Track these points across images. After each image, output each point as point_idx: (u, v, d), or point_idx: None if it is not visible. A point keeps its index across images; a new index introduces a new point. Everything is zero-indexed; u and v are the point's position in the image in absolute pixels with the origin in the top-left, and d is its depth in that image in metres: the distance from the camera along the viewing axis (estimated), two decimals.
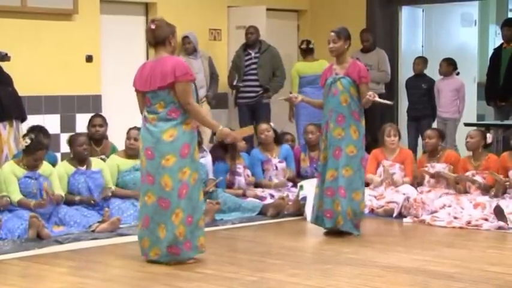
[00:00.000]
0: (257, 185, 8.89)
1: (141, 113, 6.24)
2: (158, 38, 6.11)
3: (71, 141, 7.88)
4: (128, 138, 8.14)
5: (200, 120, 6.17)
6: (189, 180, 6.06)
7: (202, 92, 10.01)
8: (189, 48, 10.18)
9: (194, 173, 6.11)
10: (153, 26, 6.11)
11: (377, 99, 7.09)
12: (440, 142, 8.83)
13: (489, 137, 8.60)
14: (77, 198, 7.65)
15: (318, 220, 7.31)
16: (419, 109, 11.07)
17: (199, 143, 7.76)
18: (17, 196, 7.31)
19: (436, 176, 8.59)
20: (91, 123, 8.60)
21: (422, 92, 11.08)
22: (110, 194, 7.86)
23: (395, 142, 8.83)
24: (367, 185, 8.24)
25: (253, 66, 10.61)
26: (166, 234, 6.05)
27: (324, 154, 7.21)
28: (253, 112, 10.61)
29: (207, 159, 8.60)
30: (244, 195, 8.53)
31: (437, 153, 8.73)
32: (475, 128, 8.95)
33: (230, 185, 8.69)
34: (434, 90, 11.09)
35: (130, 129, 8.19)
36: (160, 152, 6.02)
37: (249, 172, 8.84)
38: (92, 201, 7.68)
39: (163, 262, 6.09)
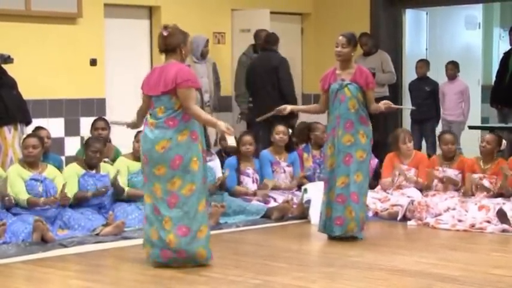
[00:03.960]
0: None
1: (140, 115, 6.32)
2: (169, 45, 6.12)
3: (86, 144, 7.92)
4: (137, 141, 8.14)
5: (202, 121, 6.15)
6: (180, 191, 6.03)
7: (206, 97, 10.02)
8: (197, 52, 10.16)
9: (191, 185, 6.05)
10: (165, 33, 6.11)
11: (393, 105, 7.27)
12: (455, 139, 8.84)
13: (504, 144, 8.59)
14: (89, 193, 7.68)
15: (326, 228, 7.24)
16: (423, 112, 11.06)
17: (208, 147, 7.78)
18: (24, 196, 7.34)
19: (446, 182, 8.57)
20: (94, 127, 8.63)
21: (426, 95, 11.08)
22: (124, 194, 7.93)
23: (412, 148, 8.84)
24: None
25: None
26: (158, 238, 6.08)
27: (331, 161, 7.16)
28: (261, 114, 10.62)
29: (215, 163, 8.63)
30: (254, 195, 8.58)
31: (453, 158, 8.71)
32: (492, 133, 8.83)
33: (239, 183, 8.76)
34: (438, 93, 11.10)
35: (138, 132, 8.18)
36: (153, 160, 6.07)
37: (257, 177, 8.86)
38: (104, 189, 7.68)
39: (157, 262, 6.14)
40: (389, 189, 8.67)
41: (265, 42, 10.48)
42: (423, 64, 11.25)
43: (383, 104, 7.22)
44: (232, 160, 8.84)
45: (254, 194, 8.64)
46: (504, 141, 8.64)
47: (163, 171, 6.03)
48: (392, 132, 9.09)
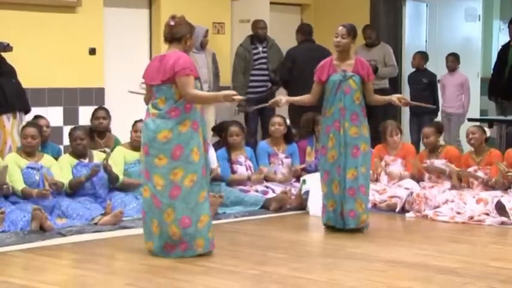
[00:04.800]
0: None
1: (146, 104, 6.29)
2: (175, 35, 6.11)
3: (69, 135, 7.95)
4: (135, 130, 8.15)
5: (204, 101, 6.20)
6: (182, 182, 6.03)
7: (205, 87, 10.00)
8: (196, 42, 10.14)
9: (192, 175, 6.04)
10: (172, 23, 6.10)
11: (411, 102, 7.45)
12: (438, 137, 8.78)
13: (488, 131, 8.60)
14: (83, 177, 7.69)
15: (332, 221, 7.18)
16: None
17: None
18: (20, 185, 7.36)
19: (431, 170, 8.54)
20: (94, 116, 8.62)
21: (423, 87, 11.08)
22: (118, 182, 7.98)
23: (398, 140, 8.83)
24: None
25: (263, 60, 10.62)
26: (160, 232, 6.08)
27: (332, 153, 7.09)
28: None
29: (210, 153, 8.60)
30: (249, 180, 8.63)
31: (437, 149, 8.70)
32: (472, 124, 8.88)
33: (232, 172, 8.76)
34: (436, 85, 11.10)
35: (136, 121, 8.19)
36: (155, 150, 6.05)
37: (250, 163, 8.86)
38: (96, 168, 7.65)
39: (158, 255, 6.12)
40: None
41: (308, 34, 10.43)
42: (417, 56, 11.25)
43: (398, 99, 7.18)
44: (222, 152, 8.82)
45: (249, 179, 8.65)
46: (487, 129, 8.67)
47: (165, 162, 6.01)
48: (382, 124, 9.05)
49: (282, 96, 7.39)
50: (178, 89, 6.01)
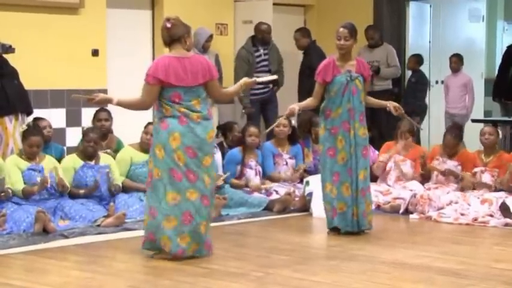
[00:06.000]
0: (268, 178, 8.88)
1: (146, 107, 6.21)
2: (174, 36, 6.12)
3: (83, 134, 7.94)
4: (146, 132, 8.11)
5: (230, 97, 6.77)
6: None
7: None
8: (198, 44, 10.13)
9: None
10: (168, 25, 6.12)
11: (406, 116, 7.55)
12: (459, 141, 8.67)
13: (500, 133, 8.58)
14: (81, 191, 7.67)
15: (341, 224, 7.07)
16: (407, 103, 11.04)
17: None
18: (20, 186, 7.35)
19: (447, 174, 8.51)
20: (96, 118, 8.60)
21: (410, 85, 11.17)
22: (118, 189, 7.91)
23: (410, 143, 8.78)
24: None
25: (265, 62, 10.61)
26: (205, 230, 6.15)
27: (343, 154, 7.01)
28: (263, 106, 10.61)
29: (216, 156, 8.59)
30: (247, 187, 8.60)
31: (456, 154, 8.59)
32: (489, 124, 8.80)
33: (239, 176, 8.72)
34: (425, 85, 11.22)
35: (149, 123, 8.12)
36: (204, 152, 6.11)
37: (260, 169, 8.83)
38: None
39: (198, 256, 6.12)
40: (379, 172, 8.66)
41: (311, 36, 10.71)
42: (410, 59, 11.46)
43: (394, 107, 7.22)
44: (235, 152, 8.80)
45: (246, 186, 8.61)
46: (500, 132, 8.66)
47: (210, 161, 6.15)
48: (400, 122, 8.99)
49: (294, 105, 7.23)
50: (207, 90, 6.18)
